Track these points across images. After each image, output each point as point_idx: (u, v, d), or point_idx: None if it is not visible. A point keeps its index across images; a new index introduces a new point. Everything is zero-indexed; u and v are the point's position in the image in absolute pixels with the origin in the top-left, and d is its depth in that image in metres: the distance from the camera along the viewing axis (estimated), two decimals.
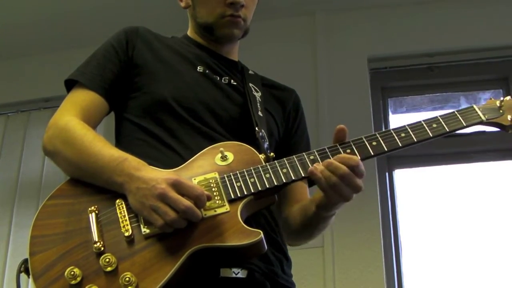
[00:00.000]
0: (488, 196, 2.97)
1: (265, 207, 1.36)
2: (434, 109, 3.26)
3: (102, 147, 1.32)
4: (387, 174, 3.09)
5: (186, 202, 1.19)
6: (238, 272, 1.29)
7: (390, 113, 3.26)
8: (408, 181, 3.14)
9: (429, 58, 3.22)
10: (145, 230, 1.22)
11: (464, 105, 3.22)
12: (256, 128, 1.46)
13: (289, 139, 1.65)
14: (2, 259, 3.28)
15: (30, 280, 1.21)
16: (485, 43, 3.14)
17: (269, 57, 2.97)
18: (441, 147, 3.04)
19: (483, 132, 3.00)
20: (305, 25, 3.38)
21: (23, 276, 1.25)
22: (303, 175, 1.31)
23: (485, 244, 2.88)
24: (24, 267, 1.23)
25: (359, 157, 1.29)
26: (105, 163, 1.29)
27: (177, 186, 1.21)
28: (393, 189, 3.08)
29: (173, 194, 1.20)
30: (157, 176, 1.23)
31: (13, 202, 3.41)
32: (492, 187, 2.99)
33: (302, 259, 2.83)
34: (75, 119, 1.41)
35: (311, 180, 1.60)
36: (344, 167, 1.25)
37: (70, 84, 1.51)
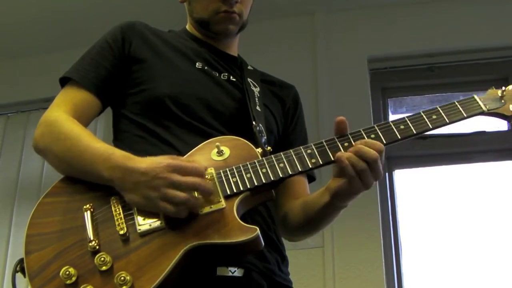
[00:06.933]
0: (488, 197, 2.96)
1: (262, 202, 1.34)
2: None
3: (88, 143, 1.30)
4: (387, 174, 3.08)
5: (194, 179, 1.19)
6: (235, 271, 1.28)
7: (390, 113, 3.26)
8: (408, 181, 3.13)
9: (429, 58, 3.21)
10: (140, 227, 1.21)
11: None
12: (254, 123, 1.44)
13: (287, 135, 1.63)
14: (2, 259, 3.27)
15: (26, 279, 1.19)
16: (485, 43, 3.13)
17: (269, 57, 2.96)
18: (441, 147, 3.04)
19: (483, 132, 3.00)
20: (305, 25, 3.37)
21: (19, 276, 1.23)
22: (300, 169, 1.28)
23: (485, 244, 2.87)
24: (20, 267, 1.21)
25: (384, 142, 1.28)
26: (93, 159, 1.26)
27: (179, 171, 1.20)
28: (393, 189, 3.07)
29: (179, 178, 1.19)
30: (153, 165, 1.20)
31: (13, 202, 3.41)
32: (492, 188, 2.98)
33: (302, 259, 2.82)
34: (64, 115, 1.39)
35: (310, 175, 1.61)
36: (372, 151, 1.24)
37: (64, 82, 1.49)
